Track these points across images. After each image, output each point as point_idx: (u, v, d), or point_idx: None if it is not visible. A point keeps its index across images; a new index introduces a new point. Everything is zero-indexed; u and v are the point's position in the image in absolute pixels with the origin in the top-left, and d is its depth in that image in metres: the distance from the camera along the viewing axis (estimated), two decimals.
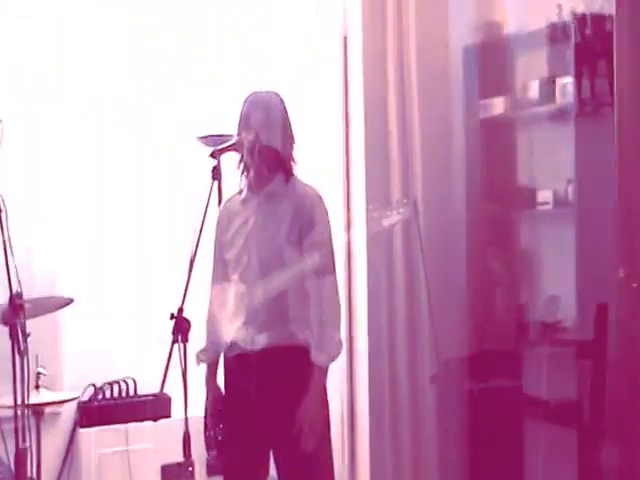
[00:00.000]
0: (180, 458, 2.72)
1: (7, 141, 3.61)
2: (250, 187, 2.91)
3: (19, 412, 2.66)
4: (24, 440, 2.69)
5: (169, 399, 3.86)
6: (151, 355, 3.90)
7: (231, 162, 2.98)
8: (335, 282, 2.87)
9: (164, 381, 2.58)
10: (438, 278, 4.39)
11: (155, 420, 3.73)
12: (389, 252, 4.29)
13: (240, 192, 2.96)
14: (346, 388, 4.42)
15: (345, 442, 4.42)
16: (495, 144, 4.32)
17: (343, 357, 4.01)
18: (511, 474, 4.26)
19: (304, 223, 2.81)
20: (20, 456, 2.70)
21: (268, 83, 3.58)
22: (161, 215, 4.15)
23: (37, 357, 3.29)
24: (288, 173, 2.88)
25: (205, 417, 2.98)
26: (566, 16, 3.73)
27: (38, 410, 3.50)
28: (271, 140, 2.83)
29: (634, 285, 3.17)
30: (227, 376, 2.97)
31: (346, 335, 4.28)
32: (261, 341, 2.82)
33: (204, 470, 3.48)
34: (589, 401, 3.66)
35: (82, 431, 3.98)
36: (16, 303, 2.71)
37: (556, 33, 3.85)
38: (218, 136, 3.72)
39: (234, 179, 3.06)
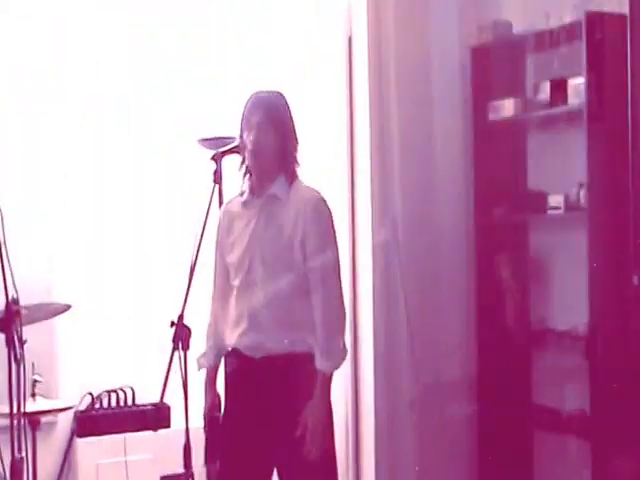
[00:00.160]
0: (180, 469, 2.71)
1: (7, 141, 3.74)
2: (252, 189, 2.91)
3: (15, 421, 2.65)
4: (20, 450, 2.68)
5: (169, 409, 3.86)
6: (150, 363, 3.93)
7: (233, 165, 2.98)
8: (340, 287, 2.87)
9: (164, 390, 2.58)
10: (445, 284, 4.40)
11: (154, 430, 3.72)
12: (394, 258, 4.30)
13: (241, 194, 2.95)
14: (350, 396, 4.41)
15: (350, 451, 4.41)
16: (505, 147, 4.31)
17: (347, 364, 4.00)
18: None
19: (307, 227, 2.81)
20: (16, 466, 2.69)
21: (268, 83, 3.60)
22: (161, 218, 4.17)
23: (33, 364, 3.29)
24: (291, 175, 2.88)
25: (204, 422, 2.97)
26: (578, 15, 3.72)
27: (34, 419, 3.49)
28: (272, 141, 2.83)
29: None
30: (228, 383, 2.96)
31: (351, 341, 4.28)
32: (263, 347, 2.82)
33: None
34: (602, 412, 3.65)
35: (79, 441, 3.97)
36: (12, 309, 2.70)
37: (568, 32, 3.85)
38: (219, 139, 3.72)
39: (235, 182, 3.07)
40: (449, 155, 4.41)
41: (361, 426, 4.41)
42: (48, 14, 3.82)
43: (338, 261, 2.87)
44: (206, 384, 3.00)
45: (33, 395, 3.51)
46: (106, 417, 3.92)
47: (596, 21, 3.68)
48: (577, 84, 3.81)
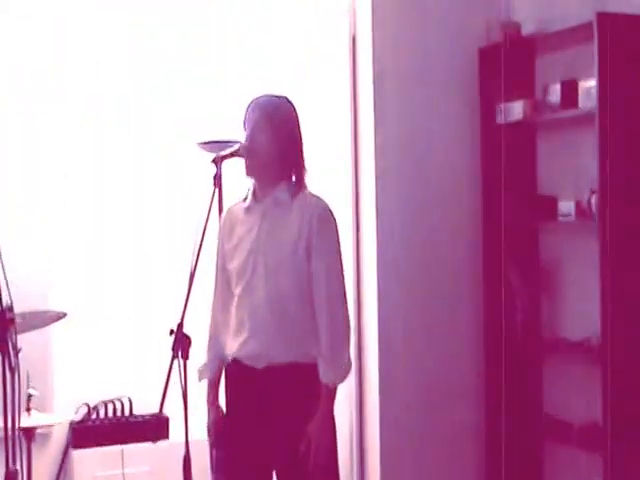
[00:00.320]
0: None
1: (7, 141, 3.81)
2: (254, 194, 2.91)
3: (9, 432, 2.65)
4: (14, 462, 2.68)
5: (167, 420, 3.86)
6: (148, 373, 3.94)
7: (234, 169, 2.98)
8: (344, 298, 2.86)
9: (163, 401, 2.57)
10: (452, 293, 4.40)
11: (153, 442, 3.72)
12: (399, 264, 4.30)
13: (244, 199, 2.95)
14: (355, 409, 4.41)
15: (354, 465, 4.40)
16: (513, 151, 4.31)
17: (351, 375, 3.99)
18: None
19: (312, 235, 2.80)
20: (10, 479, 2.68)
21: (268, 83, 3.62)
22: (161, 221, 4.20)
23: (28, 374, 3.29)
24: (296, 182, 2.87)
25: (209, 437, 2.97)
26: (589, 15, 3.72)
27: (29, 432, 3.49)
28: (270, 142, 2.83)
29: None
30: (229, 395, 2.96)
31: (355, 352, 4.28)
32: (265, 357, 2.81)
33: None
34: (615, 424, 3.64)
35: (75, 453, 3.97)
36: (6, 317, 2.70)
37: (578, 33, 3.84)
38: (219, 142, 3.73)
39: (236, 187, 3.07)
40: (455, 160, 4.42)
41: (366, 439, 4.40)
42: (48, 14, 3.88)
43: (343, 271, 2.87)
44: (208, 396, 2.99)
45: (28, 409, 3.51)
46: (103, 428, 3.93)
47: (608, 21, 3.67)
48: (588, 86, 3.81)
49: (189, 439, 2.67)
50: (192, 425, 2.71)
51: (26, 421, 3.42)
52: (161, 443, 3.72)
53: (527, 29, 4.25)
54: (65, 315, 3.56)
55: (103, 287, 4.16)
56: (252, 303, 2.83)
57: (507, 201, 4.28)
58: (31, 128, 3.86)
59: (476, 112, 4.36)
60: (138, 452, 3.97)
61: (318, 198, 2.88)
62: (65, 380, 4.08)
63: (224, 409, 2.99)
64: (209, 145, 3.85)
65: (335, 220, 2.87)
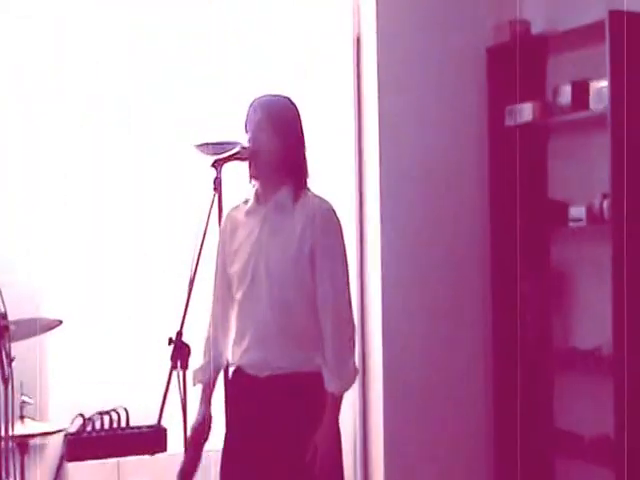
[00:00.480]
0: None
1: (7, 141, 3.86)
2: (257, 197, 2.91)
3: (2, 444, 2.64)
4: (7, 475, 2.68)
5: (165, 431, 3.85)
6: (146, 383, 3.94)
7: (234, 172, 2.98)
8: (349, 304, 2.86)
9: (162, 412, 2.57)
10: (460, 301, 4.40)
11: (150, 454, 3.71)
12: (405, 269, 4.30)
13: (246, 202, 2.95)
14: (359, 420, 4.40)
15: (358, 475, 4.40)
16: (523, 154, 4.31)
17: (355, 383, 3.99)
18: None
19: (316, 238, 2.80)
20: None
21: (268, 83, 3.64)
22: (161, 223, 4.22)
23: (21, 384, 3.29)
24: (299, 185, 2.87)
25: (189, 437, 2.91)
26: (601, 13, 3.72)
27: (23, 442, 3.49)
28: (272, 143, 2.82)
29: None
30: (229, 405, 2.95)
31: (359, 359, 4.28)
32: (268, 365, 2.81)
33: None
34: (627, 437, 3.63)
35: (70, 465, 3.96)
36: (0, 324, 2.70)
37: (590, 32, 3.85)
38: (218, 144, 3.73)
39: (237, 191, 3.07)
40: (463, 163, 4.42)
41: (370, 448, 4.40)
42: (48, 14, 3.94)
43: (348, 276, 2.86)
44: (201, 400, 2.96)
45: (22, 418, 3.51)
46: (98, 440, 3.90)
47: (620, 20, 3.68)
48: (600, 87, 3.81)
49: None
50: None
51: (20, 429, 3.41)
52: (159, 456, 3.70)
53: (537, 28, 4.25)
54: (60, 323, 3.55)
55: (99, 293, 4.16)
56: (253, 309, 2.82)
57: (516, 206, 4.28)
58: (31, 128, 3.93)
59: (484, 114, 4.36)
60: (135, 465, 3.96)
61: (321, 199, 2.88)
62: (60, 391, 4.07)
63: (222, 417, 2.98)
64: (206, 147, 3.86)
65: (339, 221, 2.87)
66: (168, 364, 2.66)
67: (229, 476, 2.89)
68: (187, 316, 2.66)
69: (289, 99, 2.94)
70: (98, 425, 3.97)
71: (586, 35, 3.90)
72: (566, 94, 4.00)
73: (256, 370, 2.83)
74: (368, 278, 4.38)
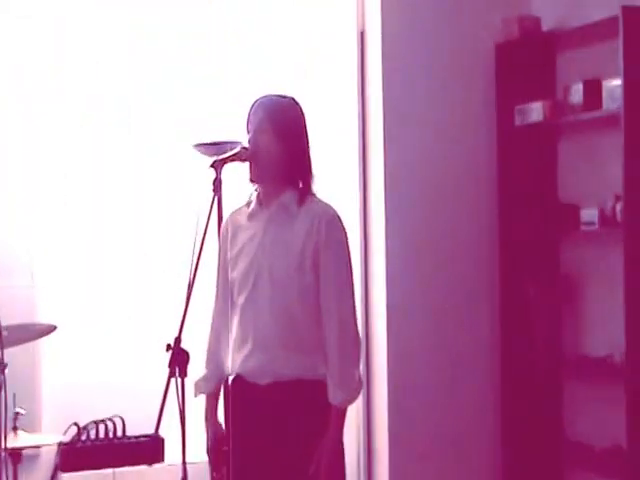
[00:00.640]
0: None
1: (7, 141, 3.96)
2: (259, 199, 2.90)
3: None
4: None
5: (163, 441, 3.85)
6: (143, 391, 3.93)
7: (234, 173, 2.98)
8: (354, 313, 2.85)
9: (159, 421, 2.56)
10: (467, 307, 4.39)
11: (147, 465, 3.71)
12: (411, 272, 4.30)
13: (248, 204, 2.95)
14: (363, 433, 4.40)
15: None
16: (533, 155, 4.31)
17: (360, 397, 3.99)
18: None
19: (319, 244, 2.79)
20: None
21: (268, 83, 3.66)
22: (161, 224, 4.27)
23: (14, 395, 3.29)
24: (303, 188, 2.87)
25: (209, 458, 2.96)
26: (613, 10, 3.72)
27: (16, 453, 3.49)
28: (273, 144, 2.82)
29: None
30: (229, 414, 2.95)
31: (363, 369, 4.27)
32: (269, 373, 2.81)
33: None
34: None
35: (64, 476, 3.96)
36: None
37: (602, 29, 3.85)
38: (218, 144, 3.74)
39: (236, 192, 3.07)
40: (470, 164, 4.42)
41: (374, 460, 4.40)
42: (48, 14, 4.03)
43: (353, 286, 2.86)
44: (207, 412, 2.98)
45: (15, 429, 3.51)
46: (93, 450, 3.91)
47: (634, 16, 3.67)
48: (613, 86, 3.80)
49: (186, 462, 2.67)
50: (189, 447, 2.71)
51: (13, 442, 3.41)
52: (156, 466, 3.71)
53: (547, 24, 4.25)
54: (55, 328, 3.55)
55: (95, 297, 4.18)
56: (255, 315, 2.82)
57: (526, 209, 4.28)
58: (31, 128, 4.02)
59: (492, 113, 4.36)
60: (131, 476, 3.96)
61: (326, 205, 2.87)
62: (54, 398, 4.08)
63: (223, 426, 2.98)
64: (205, 147, 3.87)
65: (344, 228, 2.86)
66: (166, 371, 2.65)
67: None
68: (186, 321, 2.65)
69: (292, 99, 2.93)
70: (93, 434, 3.97)
71: (599, 31, 3.89)
72: (578, 93, 3.99)
73: (257, 377, 2.82)
74: (373, 285, 4.37)
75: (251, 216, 2.91)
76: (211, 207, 2.80)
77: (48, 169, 4.09)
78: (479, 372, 4.38)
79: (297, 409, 2.79)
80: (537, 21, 4.27)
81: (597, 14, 3.84)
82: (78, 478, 3.95)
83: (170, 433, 3.16)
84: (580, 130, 4.19)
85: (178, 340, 2.66)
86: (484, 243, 4.40)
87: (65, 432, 3.90)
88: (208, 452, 2.97)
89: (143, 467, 3.79)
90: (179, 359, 2.64)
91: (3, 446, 2.68)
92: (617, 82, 3.75)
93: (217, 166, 2.83)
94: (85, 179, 4.15)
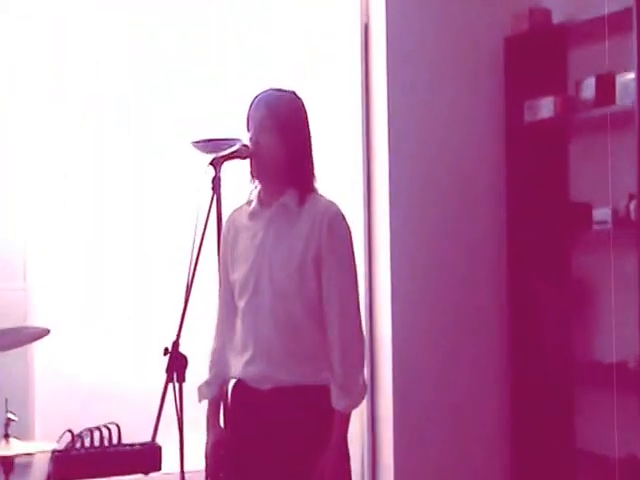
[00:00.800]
0: None
1: (7, 141, 4.03)
2: (260, 199, 2.90)
3: None
4: None
5: (160, 449, 3.85)
6: (139, 397, 3.93)
7: (234, 170, 2.98)
8: (358, 316, 2.84)
9: (156, 428, 2.56)
10: (475, 310, 4.39)
11: (144, 473, 3.71)
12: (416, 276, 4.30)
13: (249, 203, 2.95)
14: (367, 439, 4.40)
15: None
16: (543, 152, 4.31)
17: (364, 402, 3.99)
18: None
19: (322, 244, 2.78)
20: None
21: (268, 83, 3.68)
22: (161, 224, 4.31)
23: (6, 400, 3.29)
24: (305, 187, 2.86)
25: (206, 463, 2.96)
26: (627, 1, 3.72)
27: (7, 461, 3.49)
28: (276, 143, 2.82)
29: None
30: (229, 420, 2.95)
31: (367, 374, 4.27)
32: (271, 378, 2.80)
33: None
34: None
35: None
36: None
37: (615, 21, 3.84)
38: (217, 141, 3.73)
39: (236, 190, 3.07)
40: (477, 162, 4.42)
41: (379, 470, 4.39)
42: (48, 14, 4.12)
43: (357, 285, 2.85)
44: (208, 418, 2.98)
45: (6, 436, 3.51)
46: (88, 458, 3.91)
47: None
48: (627, 80, 3.80)
49: (184, 470, 2.66)
50: (188, 455, 2.70)
51: (4, 449, 3.41)
52: (153, 475, 3.70)
53: (558, 16, 4.25)
54: (48, 332, 3.55)
55: (89, 302, 4.18)
56: (256, 319, 2.82)
57: (535, 209, 4.27)
58: (31, 128, 4.10)
59: (501, 109, 4.36)
60: None
61: (329, 202, 2.86)
62: (47, 404, 4.08)
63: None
64: (204, 144, 3.86)
65: (348, 226, 2.86)
66: (163, 376, 2.65)
67: None
68: (184, 324, 2.65)
69: (294, 93, 2.93)
70: (88, 442, 3.97)
71: (612, 24, 3.88)
72: (590, 88, 3.99)
73: (258, 383, 2.82)
74: (377, 286, 4.37)
75: (252, 215, 2.90)
76: (210, 206, 2.80)
77: (48, 169, 4.16)
78: (487, 378, 4.38)
79: (299, 415, 2.79)
80: (548, 13, 4.27)
81: (610, 6, 3.84)
82: None
83: (167, 441, 3.17)
84: (592, 126, 4.19)
85: (176, 344, 2.65)
86: (492, 244, 4.40)
87: (59, 439, 3.90)
88: (206, 457, 2.96)
89: (139, 476, 3.79)
90: (177, 364, 2.64)
91: None
92: (631, 76, 3.75)
93: (216, 164, 2.83)
94: (85, 179, 4.22)
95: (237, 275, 2.88)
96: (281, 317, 2.78)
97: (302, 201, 2.84)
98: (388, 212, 4.27)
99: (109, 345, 4.17)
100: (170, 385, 2.62)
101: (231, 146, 2.90)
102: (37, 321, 3.92)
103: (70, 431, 3.96)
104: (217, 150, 3.00)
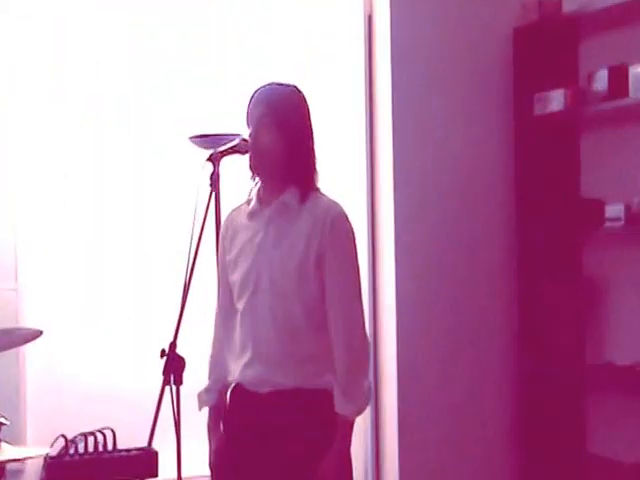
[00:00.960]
0: None
1: (7, 141, 4.09)
2: (259, 197, 2.90)
3: None
4: None
5: (156, 454, 3.85)
6: (135, 401, 3.94)
7: (233, 166, 2.98)
8: (362, 318, 2.84)
9: (152, 432, 2.56)
10: (483, 311, 4.39)
11: None
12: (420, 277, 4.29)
13: (248, 202, 2.94)
14: (370, 446, 4.40)
15: None
16: (553, 147, 4.30)
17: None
18: None
19: (324, 245, 2.77)
20: None
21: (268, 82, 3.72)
22: (161, 224, 4.34)
23: None
24: (306, 185, 2.86)
25: (210, 471, 2.96)
26: None
27: None
28: (276, 139, 2.81)
29: None
30: (227, 424, 2.95)
31: (371, 378, 4.27)
32: (270, 381, 2.80)
33: None
34: None
35: None
36: None
37: (628, 10, 3.84)
38: (215, 136, 3.73)
39: (235, 187, 3.07)
40: (486, 157, 4.41)
41: (382, 471, 4.40)
42: (48, 14, 4.20)
43: (360, 287, 2.85)
44: (209, 425, 2.97)
45: None
46: (82, 464, 3.91)
47: None
48: None
49: (182, 476, 2.66)
50: (185, 460, 2.71)
51: None
52: None
53: (569, 6, 4.24)
54: (41, 333, 3.55)
55: (83, 303, 4.19)
56: (254, 322, 2.81)
57: (545, 205, 4.27)
58: (31, 128, 4.17)
59: (510, 102, 4.35)
60: None
61: (331, 201, 2.86)
62: (39, 408, 4.08)
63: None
64: (202, 139, 3.86)
65: (351, 226, 2.85)
66: (160, 379, 2.65)
67: None
68: (182, 325, 2.65)
69: (295, 87, 2.92)
70: (82, 447, 3.98)
71: (624, 13, 3.88)
72: (602, 80, 3.98)
73: (257, 386, 2.82)
74: (381, 288, 4.37)
75: (251, 215, 2.90)
76: (208, 203, 2.79)
77: (47, 169, 4.21)
78: (496, 382, 4.38)
79: (299, 419, 2.78)
80: (558, 3, 4.26)
81: None
82: None
83: (164, 446, 3.17)
84: (604, 120, 4.18)
85: (173, 345, 2.66)
86: (500, 242, 4.40)
87: (52, 445, 3.91)
88: (210, 467, 2.95)
89: None
90: (174, 366, 2.64)
91: None
92: None
93: (215, 159, 2.83)
94: (85, 179, 4.28)
95: (236, 276, 2.87)
96: (280, 317, 2.78)
97: (303, 199, 2.83)
98: (393, 209, 4.27)
99: (103, 347, 4.18)
100: (167, 388, 2.62)
101: (230, 141, 2.90)
102: (29, 322, 3.93)
103: (64, 436, 3.97)
104: (215, 146, 2.99)
